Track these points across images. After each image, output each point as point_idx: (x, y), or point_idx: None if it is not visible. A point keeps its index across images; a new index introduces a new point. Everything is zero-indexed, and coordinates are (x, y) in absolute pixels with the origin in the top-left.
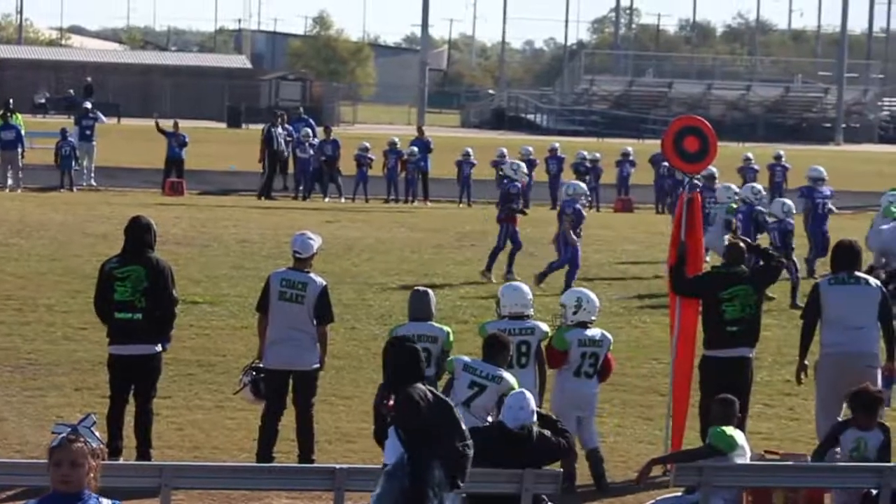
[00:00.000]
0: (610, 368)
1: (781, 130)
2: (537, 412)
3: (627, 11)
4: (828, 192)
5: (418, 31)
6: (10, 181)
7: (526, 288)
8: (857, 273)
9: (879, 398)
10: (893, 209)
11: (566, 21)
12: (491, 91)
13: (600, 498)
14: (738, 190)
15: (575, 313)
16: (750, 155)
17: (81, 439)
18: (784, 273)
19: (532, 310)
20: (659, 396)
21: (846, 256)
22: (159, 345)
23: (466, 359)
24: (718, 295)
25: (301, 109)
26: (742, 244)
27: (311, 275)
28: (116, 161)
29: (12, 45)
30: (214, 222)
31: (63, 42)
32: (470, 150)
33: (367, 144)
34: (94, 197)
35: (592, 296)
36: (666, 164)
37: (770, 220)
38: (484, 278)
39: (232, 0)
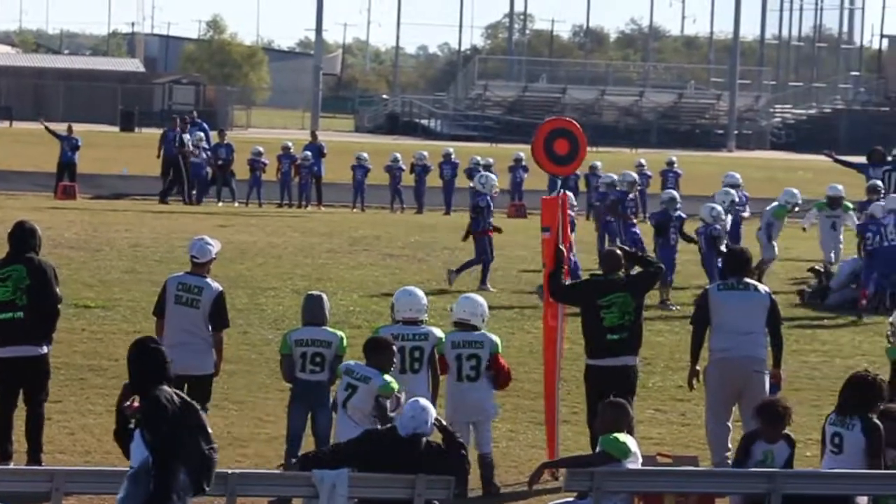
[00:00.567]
0: (504, 374)
1: (674, 137)
2: (438, 423)
3: (521, 17)
4: (743, 198)
5: (312, 36)
6: None
7: (420, 293)
8: (747, 279)
9: (786, 411)
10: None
11: (460, 26)
12: (385, 96)
13: (492, 503)
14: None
15: (452, 313)
16: (643, 161)
17: None
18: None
19: (426, 315)
20: None
21: (735, 262)
22: (44, 346)
23: (351, 363)
24: (596, 302)
25: (195, 113)
26: (619, 251)
27: (208, 280)
28: (8, 164)
29: None
30: (107, 226)
31: None
32: (365, 154)
33: (261, 149)
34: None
35: (474, 297)
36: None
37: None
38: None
39: (125, 3)
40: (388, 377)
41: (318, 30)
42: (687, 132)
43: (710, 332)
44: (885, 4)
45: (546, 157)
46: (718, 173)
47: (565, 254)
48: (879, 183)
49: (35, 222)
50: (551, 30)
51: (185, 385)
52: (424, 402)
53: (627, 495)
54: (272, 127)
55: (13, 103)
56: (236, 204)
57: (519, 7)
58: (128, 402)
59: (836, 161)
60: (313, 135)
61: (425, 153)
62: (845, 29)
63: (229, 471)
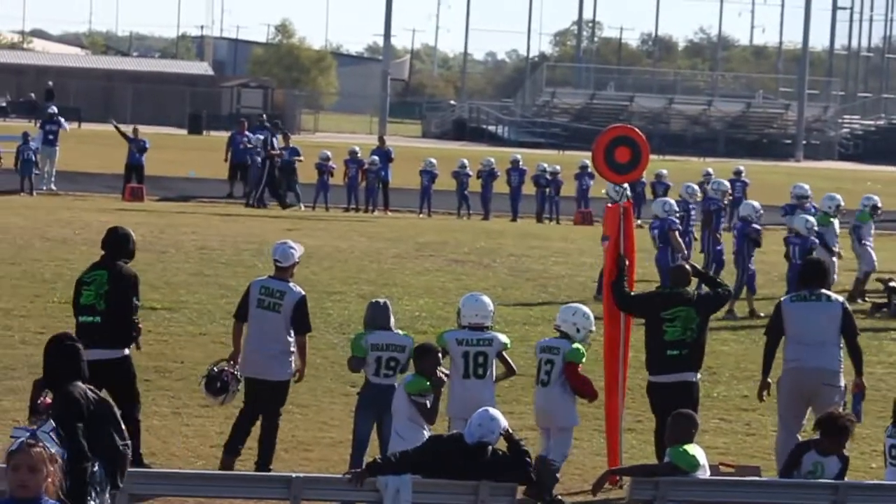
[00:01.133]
0: (578, 381)
1: (742, 146)
2: (505, 432)
3: (590, 24)
4: (812, 210)
5: (381, 41)
6: None
7: (486, 299)
8: (821, 290)
9: (847, 427)
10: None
11: (528, 33)
12: (452, 102)
13: None
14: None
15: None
16: (710, 170)
17: (40, 444)
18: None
19: (492, 321)
20: None
21: (810, 273)
22: (124, 349)
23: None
24: (660, 315)
25: (264, 116)
26: (689, 267)
27: (291, 284)
28: (77, 166)
29: None
30: (174, 228)
31: (25, 46)
32: (433, 160)
33: (329, 153)
34: (54, 201)
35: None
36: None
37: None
38: None
39: (194, 7)
40: (414, 375)
41: (387, 35)
42: (754, 142)
43: (784, 342)
44: None
45: (606, 165)
46: (786, 183)
47: (627, 262)
48: None
49: (103, 224)
50: (620, 38)
51: (257, 389)
52: (494, 412)
53: None
54: (339, 131)
55: (82, 105)
56: (302, 207)
57: (588, 14)
58: (40, 399)
59: None
60: (381, 140)
61: (493, 160)
62: None
63: (293, 475)
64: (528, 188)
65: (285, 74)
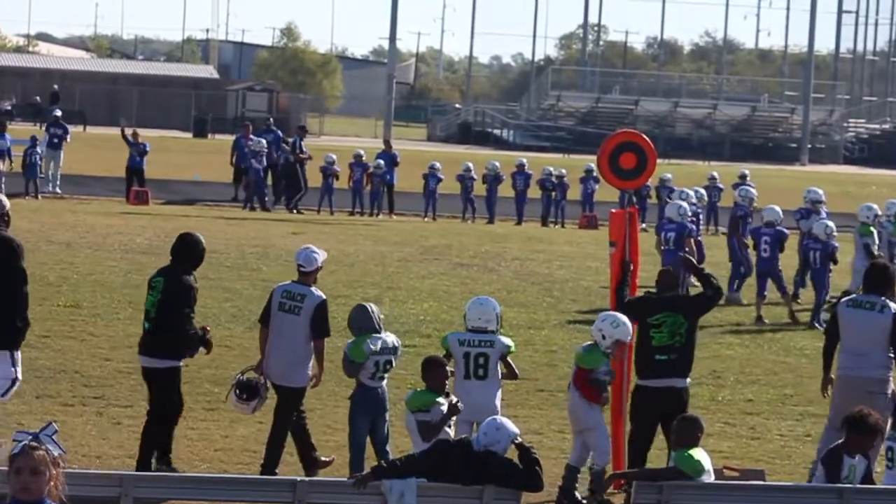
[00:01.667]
0: (581, 386)
1: (747, 150)
2: (517, 441)
3: (595, 28)
4: (825, 215)
5: (386, 44)
6: None
7: (492, 303)
8: (881, 297)
9: (878, 427)
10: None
11: (534, 37)
12: (458, 105)
13: None
14: (877, 210)
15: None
16: (715, 174)
17: (43, 447)
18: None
19: (496, 325)
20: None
21: (873, 279)
22: (169, 360)
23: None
24: (647, 320)
25: (271, 120)
26: (673, 270)
27: (312, 288)
28: (82, 169)
29: None
30: (179, 232)
31: (30, 49)
32: (437, 163)
33: (334, 156)
34: (58, 205)
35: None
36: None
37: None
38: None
39: (200, 10)
40: (416, 391)
41: (392, 38)
42: (760, 145)
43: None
44: None
45: (611, 171)
46: (791, 187)
47: (632, 268)
48: None
49: (107, 227)
50: (625, 41)
51: (278, 394)
52: (502, 421)
53: None
54: (345, 135)
55: (87, 108)
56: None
57: (593, 18)
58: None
59: None
60: (386, 143)
61: (497, 163)
62: None
63: (298, 478)
64: (534, 192)
65: (290, 78)
